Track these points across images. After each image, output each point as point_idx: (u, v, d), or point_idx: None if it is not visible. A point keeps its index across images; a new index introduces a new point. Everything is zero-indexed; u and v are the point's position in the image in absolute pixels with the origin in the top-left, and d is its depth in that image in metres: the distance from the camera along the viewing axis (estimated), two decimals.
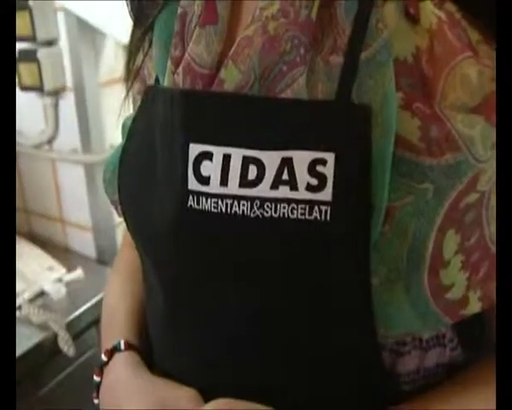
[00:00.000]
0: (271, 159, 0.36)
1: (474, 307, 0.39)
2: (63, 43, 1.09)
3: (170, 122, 0.41)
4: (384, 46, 0.36)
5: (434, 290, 0.37)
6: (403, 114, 0.35)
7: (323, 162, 0.35)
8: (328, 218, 0.35)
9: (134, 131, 0.47)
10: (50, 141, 1.21)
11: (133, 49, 0.52)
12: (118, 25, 1.03)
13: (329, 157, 0.35)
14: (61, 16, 1.07)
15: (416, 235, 0.36)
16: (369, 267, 0.36)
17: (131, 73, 0.52)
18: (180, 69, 0.42)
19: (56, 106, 1.15)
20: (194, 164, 0.39)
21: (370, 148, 0.35)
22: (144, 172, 0.45)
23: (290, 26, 0.37)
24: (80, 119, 1.12)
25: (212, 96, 0.40)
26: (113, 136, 1.14)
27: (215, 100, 0.39)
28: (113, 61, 1.11)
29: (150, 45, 0.49)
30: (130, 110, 0.54)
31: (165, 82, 0.44)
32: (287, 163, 0.36)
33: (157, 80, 0.47)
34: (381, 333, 0.39)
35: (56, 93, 1.13)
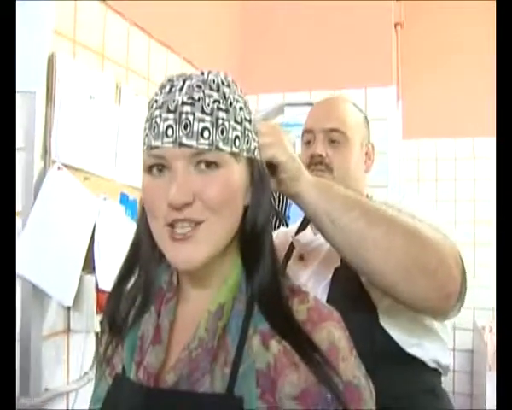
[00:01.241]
0: None
1: None
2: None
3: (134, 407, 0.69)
4: (251, 363, 0.66)
5: None
6: (258, 403, 0.64)
7: None
8: None
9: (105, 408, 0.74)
10: None
11: (105, 347, 0.79)
12: (63, 290, 1.31)
13: None
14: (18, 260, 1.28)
15: None
16: None
17: (105, 359, 0.79)
18: (140, 370, 0.70)
19: None
20: None
21: None
22: None
23: (204, 352, 0.67)
24: (22, 366, 1.21)
25: (159, 392, 0.69)
26: (49, 382, 1.30)
27: (163, 394, 0.69)
28: (55, 318, 1.33)
29: (117, 345, 0.77)
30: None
31: (131, 375, 0.72)
32: None
33: (123, 369, 0.74)
34: None
35: None
